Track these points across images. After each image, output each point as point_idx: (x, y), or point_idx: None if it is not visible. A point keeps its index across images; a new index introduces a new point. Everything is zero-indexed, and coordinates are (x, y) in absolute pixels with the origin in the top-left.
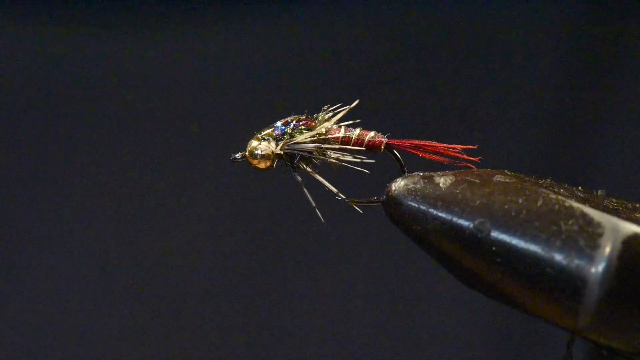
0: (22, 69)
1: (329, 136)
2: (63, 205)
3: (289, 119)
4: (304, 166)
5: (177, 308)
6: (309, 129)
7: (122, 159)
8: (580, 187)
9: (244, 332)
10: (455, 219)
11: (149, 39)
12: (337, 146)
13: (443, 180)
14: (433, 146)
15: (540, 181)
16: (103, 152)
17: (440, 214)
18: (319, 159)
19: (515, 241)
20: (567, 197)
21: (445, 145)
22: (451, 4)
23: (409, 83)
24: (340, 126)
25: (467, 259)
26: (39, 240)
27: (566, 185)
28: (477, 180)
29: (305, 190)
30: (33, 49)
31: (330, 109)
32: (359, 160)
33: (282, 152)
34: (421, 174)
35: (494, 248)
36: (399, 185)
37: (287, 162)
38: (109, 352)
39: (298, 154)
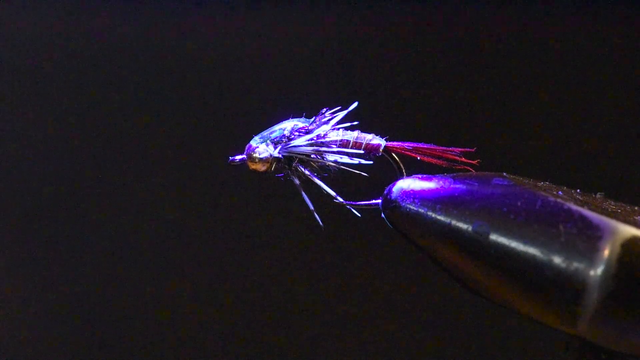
0: None
1: (327, 139)
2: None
3: (287, 122)
4: (302, 169)
5: (175, 309)
6: (307, 132)
7: (119, 160)
8: (579, 190)
9: (241, 334)
10: (453, 222)
11: (147, 34)
12: (335, 149)
13: (441, 183)
14: (431, 149)
15: (539, 184)
16: (98, 156)
17: (438, 217)
18: (317, 162)
19: (513, 244)
20: (565, 199)
21: (444, 147)
22: (450, 4)
23: (407, 85)
24: (338, 129)
25: (466, 263)
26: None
27: (565, 187)
28: (475, 183)
29: (303, 193)
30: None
31: (329, 111)
32: (357, 163)
33: (280, 156)
34: (419, 176)
35: (492, 251)
36: (397, 188)
37: (285, 166)
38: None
39: (296, 157)
